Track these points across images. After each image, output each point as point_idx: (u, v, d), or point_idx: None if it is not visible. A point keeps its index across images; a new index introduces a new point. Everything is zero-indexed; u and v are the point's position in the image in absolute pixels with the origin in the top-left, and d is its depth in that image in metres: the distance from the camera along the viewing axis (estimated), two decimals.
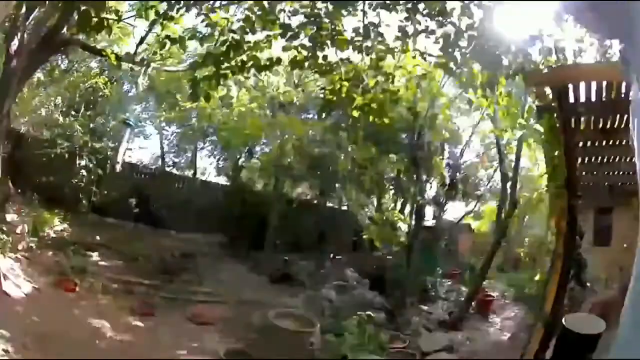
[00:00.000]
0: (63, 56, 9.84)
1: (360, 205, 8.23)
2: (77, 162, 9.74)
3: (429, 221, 14.51)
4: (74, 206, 9.92)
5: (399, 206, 13.41)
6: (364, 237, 6.84)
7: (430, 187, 14.07)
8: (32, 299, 6.65)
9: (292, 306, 8.74)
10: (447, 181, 13.59)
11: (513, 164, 9.90)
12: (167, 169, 14.77)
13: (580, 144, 5.17)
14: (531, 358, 4.67)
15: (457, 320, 9.39)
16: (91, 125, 10.47)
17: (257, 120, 9.66)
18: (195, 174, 15.09)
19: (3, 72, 5.12)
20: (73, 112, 10.26)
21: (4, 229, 7.58)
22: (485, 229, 15.01)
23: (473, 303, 9.97)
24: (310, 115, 12.69)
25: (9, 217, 8.21)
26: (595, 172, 6.78)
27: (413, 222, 10.26)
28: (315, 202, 14.98)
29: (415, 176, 10.40)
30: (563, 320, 4.01)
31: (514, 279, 12.25)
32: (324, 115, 8.10)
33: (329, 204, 15.25)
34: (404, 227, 7.32)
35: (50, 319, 6.26)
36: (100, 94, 11.23)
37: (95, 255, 9.30)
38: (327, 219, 13.66)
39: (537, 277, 11.33)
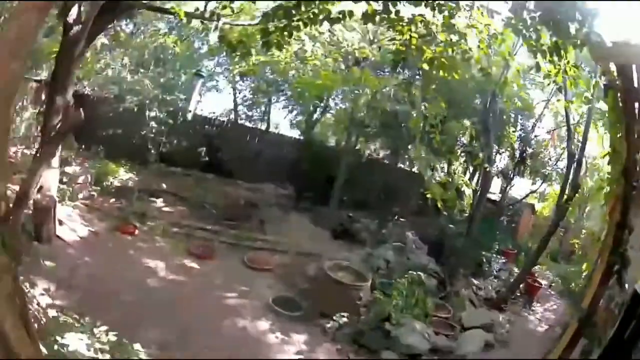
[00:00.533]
0: (128, 20, 9.91)
1: (428, 166, 8.02)
2: (147, 114, 9.75)
3: (494, 194, 14.07)
4: (141, 156, 10.04)
5: (468, 175, 13.07)
6: (427, 196, 6.73)
7: (500, 159, 13.68)
8: (87, 242, 6.85)
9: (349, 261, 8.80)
10: (517, 154, 13.03)
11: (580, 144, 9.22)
12: (240, 122, 15.00)
13: None
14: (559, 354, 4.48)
15: (502, 300, 9.16)
16: (161, 80, 10.52)
17: (331, 74, 9.53)
18: (268, 127, 15.24)
19: (62, 43, 5.09)
20: (142, 70, 10.33)
21: (65, 180, 7.71)
22: (547, 213, 14.18)
23: (521, 286, 9.66)
24: (386, 73, 12.29)
25: (71, 169, 8.40)
26: None
27: (478, 191, 9.92)
28: (386, 161, 14.81)
29: (485, 142, 9.88)
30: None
31: (563, 271, 11.71)
32: (397, 70, 7.93)
33: (400, 165, 15.01)
34: (468, 191, 7.11)
35: (103, 260, 6.49)
36: (170, 51, 11.35)
37: (159, 202, 9.61)
38: (395, 179, 13.51)
39: (585, 273, 11.07)
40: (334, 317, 6.81)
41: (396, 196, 12.86)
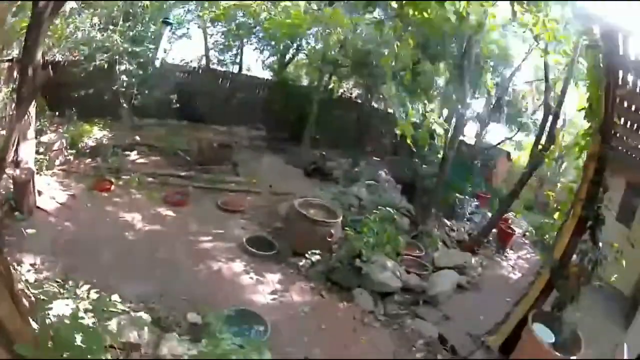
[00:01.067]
0: None
1: (400, 104, 7.67)
2: (117, 68, 9.37)
3: (470, 138, 13.93)
4: (114, 113, 9.78)
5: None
6: (397, 132, 6.48)
7: (477, 104, 13.49)
8: (66, 207, 6.68)
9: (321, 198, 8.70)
10: (494, 101, 12.81)
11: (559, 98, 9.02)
12: (212, 67, 14.27)
13: (625, 103, 4.64)
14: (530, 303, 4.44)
15: (475, 243, 9.08)
16: (130, 34, 9.95)
17: (301, 13, 8.97)
18: (240, 69, 14.60)
19: (32, 14, 4.71)
20: (111, 27, 9.67)
21: (41, 150, 7.50)
22: (523, 162, 14.10)
23: (494, 230, 9.56)
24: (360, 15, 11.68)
25: (46, 137, 8.07)
26: (632, 141, 6.22)
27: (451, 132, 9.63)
28: (359, 101, 14.39)
29: (459, 85, 9.58)
30: None
31: (538, 221, 11.69)
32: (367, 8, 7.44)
33: (375, 105, 14.58)
34: (440, 131, 6.83)
35: (83, 221, 6.38)
36: (139, 4, 10.54)
37: (133, 155, 9.34)
38: (369, 119, 13.07)
39: (560, 224, 11.16)
40: (307, 255, 6.72)
41: (370, 135, 12.56)
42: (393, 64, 7.29)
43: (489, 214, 11.40)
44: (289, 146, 12.09)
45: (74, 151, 8.42)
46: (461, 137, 10.99)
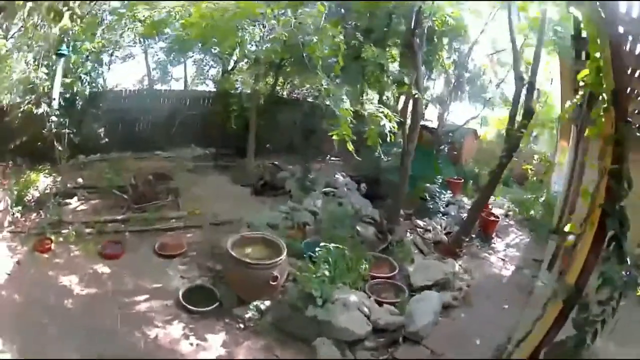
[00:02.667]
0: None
1: (339, 100, 5.92)
2: (44, 109, 7.89)
3: (431, 121, 12.26)
4: (53, 156, 8.28)
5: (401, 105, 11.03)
6: (334, 138, 4.94)
7: (434, 85, 12.02)
8: (13, 276, 5.77)
9: (271, 223, 7.17)
10: (453, 80, 11.17)
11: (530, 67, 7.60)
12: (156, 86, 12.38)
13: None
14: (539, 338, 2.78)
15: (456, 244, 7.50)
16: (57, 67, 8.31)
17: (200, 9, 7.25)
18: (185, 86, 12.77)
19: None
20: (45, 62, 8.31)
21: None
22: (491, 137, 12.54)
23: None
24: None
25: None
26: None
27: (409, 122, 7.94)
28: (309, 99, 12.24)
29: (412, 67, 7.86)
30: None
31: (519, 197, 10.37)
32: None
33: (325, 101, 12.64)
34: (389, 125, 5.21)
35: (27, 290, 5.52)
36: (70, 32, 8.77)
37: (73, 201, 7.91)
38: (318, 117, 10.38)
39: (542, 199, 9.86)
40: (250, 306, 5.18)
41: (322, 135, 10.49)
42: (326, 51, 5.72)
43: (464, 200, 9.88)
44: (236, 161, 10.44)
45: (19, 207, 7.23)
46: (422, 122, 9.33)
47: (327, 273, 5.11)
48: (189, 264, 6.32)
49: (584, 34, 4.32)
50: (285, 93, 12.13)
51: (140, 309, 5.32)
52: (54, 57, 8.18)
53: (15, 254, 6.13)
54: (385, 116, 5.41)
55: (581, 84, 4.28)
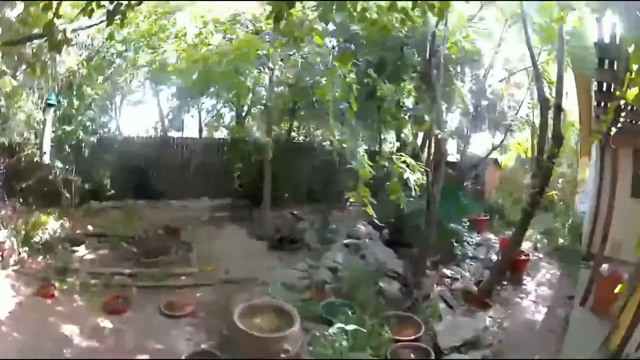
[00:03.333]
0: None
1: (355, 146, 5.46)
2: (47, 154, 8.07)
3: (451, 154, 11.70)
4: (61, 201, 8.43)
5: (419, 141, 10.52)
6: (350, 201, 4.53)
7: (452, 117, 11.55)
8: (15, 316, 5.68)
9: (287, 283, 6.72)
10: (472, 109, 10.71)
11: (554, 87, 7.20)
12: (170, 133, 12.35)
13: None
14: None
15: (486, 292, 6.84)
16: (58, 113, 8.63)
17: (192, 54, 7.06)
18: (200, 133, 12.66)
19: None
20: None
21: None
22: (511, 163, 11.92)
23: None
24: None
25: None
26: None
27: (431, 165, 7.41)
28: (325, 144, 11.67)
29: (431, 101, 7.47)
30: None
31: (546, 227, 9.64)
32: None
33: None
34: (413, 178, 4.75)
35: (28, 332, 5.41)
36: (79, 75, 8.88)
37: (81, 249, 7.71)
38: (337, 162, 9.67)
39: (569, 223, 9.39)
40: None
41: (342, 180, 10.00)
42: (337, 94, 5.36)
43: (492, 237, 9.20)
44: (253, 212, 10.02)
45: (26, 248, 7.18)
46: None
47: (344, 343, 4.58)
48: (196, 326, 5.93)
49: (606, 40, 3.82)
50: (301, 138, 11.82)
51: None
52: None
53: (18, 295, 6.04)
54: (409, 166, 4.98)
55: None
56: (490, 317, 6.36)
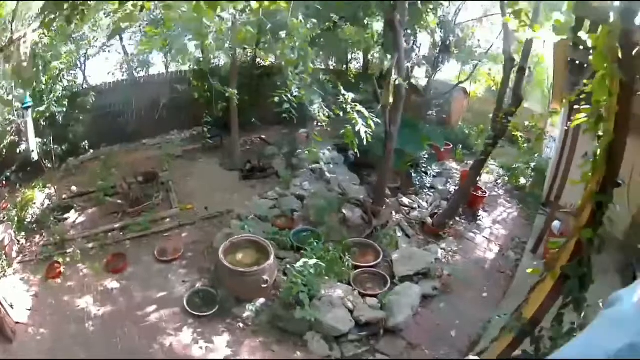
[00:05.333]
0: None
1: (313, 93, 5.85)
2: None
3: (419, 78, 12.08)
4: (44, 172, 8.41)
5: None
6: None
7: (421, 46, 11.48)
8: (34, 312, 6.01)
9: (260, 214, 7.58)
10: (440, 41, 10.89)
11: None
12: (136, 74, 12.21)
13: None
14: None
15: (441, 226, 7.63)
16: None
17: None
18: (167, 69, 12.59)
19: None
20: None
21: None
22: (480, 94, 12.17)
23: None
24: None
25: None
26: None
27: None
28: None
29: (394, 44, 7.63)
30: None
31: (509, 164, 9.99)
32: None
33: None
34: (363, 129, 5.22)
35: (50, 322, 5.83)
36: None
37: (71, 215, 8.03)
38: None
39: (533, 164, 9.70)
40: (247, 307, 5.80)
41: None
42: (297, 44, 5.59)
43: (454, 167, 10.03)
44: (223, 141, 10.49)
45: (23, 233, 7.42)
46: (410, 82, 9.43)
47: (312, 271, 5.60)
48: (187, 267, 6.81)
49: None
50: (267, 62, 11.72)
51: (152, 319, 5.84)
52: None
53: (30, 287, 6.39)
54: (360, 114, 5.46)
55: None
56: (442, 249, 7.22)
